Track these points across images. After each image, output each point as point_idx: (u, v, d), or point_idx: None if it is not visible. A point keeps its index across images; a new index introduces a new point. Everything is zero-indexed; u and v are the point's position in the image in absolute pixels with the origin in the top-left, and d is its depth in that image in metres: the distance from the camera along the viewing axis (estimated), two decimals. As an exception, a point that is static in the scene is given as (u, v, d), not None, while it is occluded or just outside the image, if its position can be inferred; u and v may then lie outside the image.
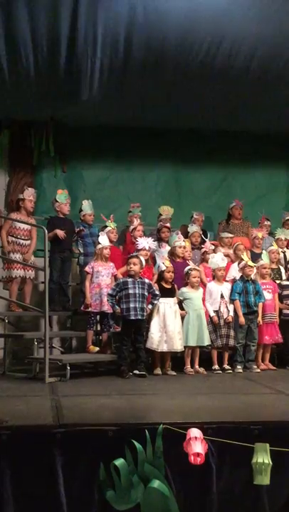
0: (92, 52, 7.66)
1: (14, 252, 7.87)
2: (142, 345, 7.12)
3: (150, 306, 7.18)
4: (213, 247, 8.20)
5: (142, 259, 7.27)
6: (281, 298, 8.12)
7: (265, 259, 8.14)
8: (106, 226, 8.21)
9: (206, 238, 8.62)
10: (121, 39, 7.56)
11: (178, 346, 7.28)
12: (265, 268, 8.03)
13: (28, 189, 8.28)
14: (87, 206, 8.53)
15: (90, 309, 7.41)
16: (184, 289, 7.54)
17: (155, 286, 7.30)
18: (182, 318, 7.44)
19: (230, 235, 8.76)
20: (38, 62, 7.72)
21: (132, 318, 6.99)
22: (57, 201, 8.38)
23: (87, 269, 7.54)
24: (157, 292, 7.21)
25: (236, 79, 8.19)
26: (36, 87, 8.16)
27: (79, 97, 8.35)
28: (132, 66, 7.90)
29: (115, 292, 7.08)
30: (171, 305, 7.37)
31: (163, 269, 7.41)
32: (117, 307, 7.05)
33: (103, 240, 7.59)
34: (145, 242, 7.66)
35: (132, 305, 6.98)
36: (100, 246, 7.55)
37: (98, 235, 7.76)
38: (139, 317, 7.02)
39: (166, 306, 7.33)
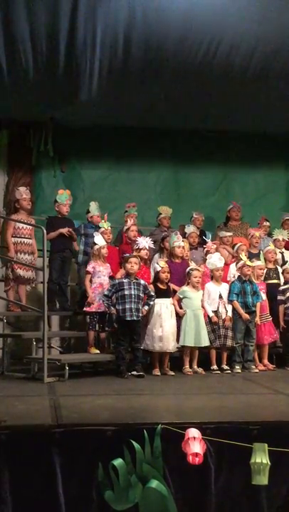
0: (92, 52, 7.67)
1: (20, 253, 7.87)
2: (138, 345, 7.12)
3: (146, 307, 7.18)
4: (215, 246, 8.20)
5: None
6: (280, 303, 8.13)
7: (261, 260, 8.16)
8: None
9: (205, 238, 8.61)
10: (120, 39, 7.57)
11: (170, 347, 7.27)
12: (261, 269, 8.04)
13: (19, 189, 8.27)
14: (94, 208, 8.53)
15: (94, 309, 7.39)
16: (185, 288, 7.54)
17: (151, 287, 7.31)
18: (179, 317, 7.45)
19: (229, 234, 8.77)
20: (37, 62, 7.72)
21: (128, 319, 7.00)
22: (57, 201, 8.39)
23: (88, 268, 7.52)
24: (153, 293, 7.22)
25: (235, 79, 8.20)
26: (35, 87, 8.16)
27: (78, 97, 8.35)
28: (131, 66, 7.90)
29: (111, 293, 7.09)
30: (168, 305, 7.37)
31: (158, 269, 7.41)
32: (113, 308, 7.05)
33: (99, 239, 7.59)
34: (144, 242, 7.68)
35: (127, 306, 6.99)
36: (96, 246, 7.54)
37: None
38: (135, 318, 7.03)
39: (163, 306, 7.33)
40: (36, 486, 4.15)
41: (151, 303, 7.21)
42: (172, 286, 7.56)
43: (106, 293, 7.13)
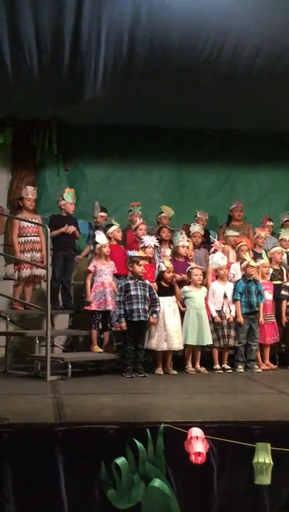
0: (96, 51, 7.67)
1: (25, 252, 7.89)
2: (140, 345, 7.12)
3: (154, 316, 7.15)
4: (223, 246, 8.18)
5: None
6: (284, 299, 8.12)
7: (265, 259, 8.15)
8: (109, 225, 8.24)
9: (212, 237, 8.61)
10: (125, 38, 7.57)
11: (176, 345, 7.29)
12: (265, 267, 8.04)
13: (26, 187, 8.31)
14: (95, 209, 8.60)
15: (94, 308, 7.40)
16: (186, 288, 7.54)
17: (154, 286, 7.31)
18: (183, 315, 7.46)
19: (236, 233, 8.76)
20: (41, 60, 7.72)
21: (136, 319, 7.00)
22: (63, 199, 8.40)
23: (89, 268, 7.54)
24: (156, 296, 7.19)
25: (240, 78, 8.19)
26: (40, 86, 8.16)
27: (82, 96, 8.35)
28: (136, 65, 7.90)
29: (123, 297, 7.05)
30: (170, 303, 7.38)
31: (163, 269, 7.41)
32: (123, 319, 7.00)
33: (100, 238, 7.60)
34: (150, 240, 7.69)
35: (135, 306, 6.99)
36: (98, 245, 7.55)
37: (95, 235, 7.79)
38: (142, 318, 7.03)
39: (166, 304, 7.34)
40: (39, 484, 4.15)
41: (158, 309, 7.18)
42: (178, 277, 7.58)
43: (118, 299, 7.09)
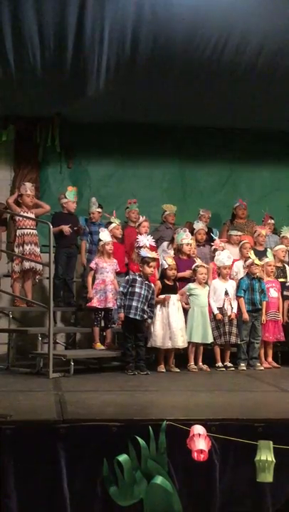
0: (99, 49, 7.65)
1: (24, 244, 7.90)
2: (141, 343, 7.11)
3: (149, 321, 7.14)
4: (223, 244, 8.18)
5: None
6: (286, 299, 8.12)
7: (269, 257, 8.14)
8: (110, 222, 8.25)
9: (213, 236, 8.60)
10: (128, 35, 7.55)
11: (180, 343, 7.29)
12: (270, 266, 8.03)
13: (25, 184, 8.32)
14: (92, 204, 8.59)
15: (94, 305, 7.40)
16: (191, 285, 7.54)
17: (158, 284, 7.31)
18: (186, 312, 7.45)
19: (240, 233, 8.76)
20: (44, 58, 7.71)
21: (132, 316, 6.98)
22: (66, 197, 8.42)
23: (91, 265, 7.56)
24: (154, 302, 7.16)
25: (243, 76, 8.18)
26: (43, 83, 8.16)
27: (85, 93, 8.35)
28: (139, 62, 7.88)
29: (126, 289, 7.05)
30: (174, 302, 7.37)
31: (165, 266, 7.41)
32: (122, 310, 7.00)
33: (104, 236, 7.60)
34: (145, 240, 7.67)
35: (134, 303, 6.98)
36: (101, 242, 7.56)
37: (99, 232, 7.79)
38: (138, 317, 7.00)
39: (170, 302, 7.33)
40: (41, 481, 4.16)
41: (152, 315, 7.15)
42: (180, 274, 7.57)
43: (122, 290, 7.08)
